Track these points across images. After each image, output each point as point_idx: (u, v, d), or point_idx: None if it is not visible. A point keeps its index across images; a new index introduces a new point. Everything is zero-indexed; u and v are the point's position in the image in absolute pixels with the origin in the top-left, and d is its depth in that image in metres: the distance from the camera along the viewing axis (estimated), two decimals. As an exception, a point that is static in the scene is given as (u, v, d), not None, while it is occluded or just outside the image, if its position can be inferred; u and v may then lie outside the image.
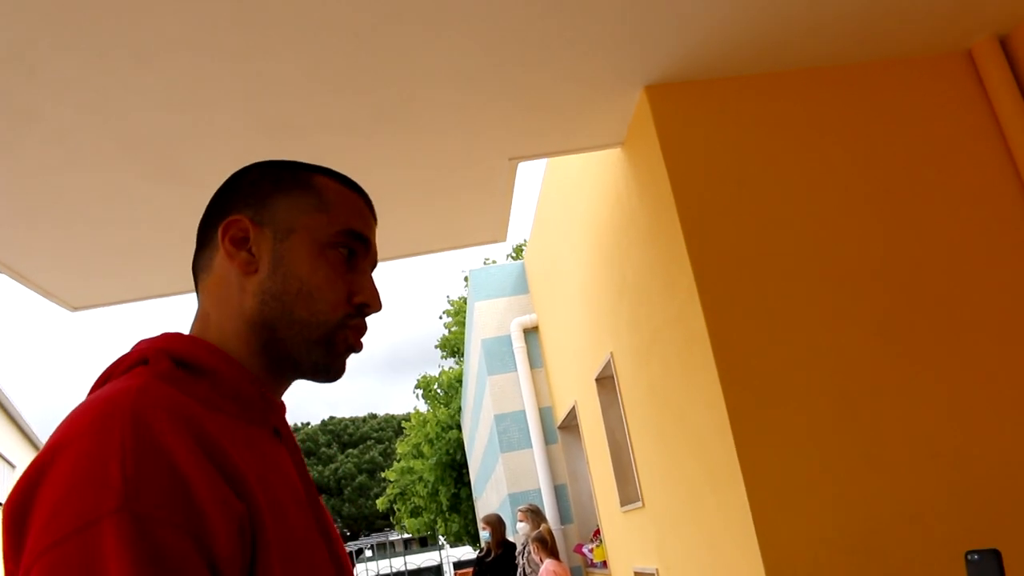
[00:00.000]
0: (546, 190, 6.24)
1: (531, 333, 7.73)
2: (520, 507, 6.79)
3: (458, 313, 20.50)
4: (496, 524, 7.05)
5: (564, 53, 3.02)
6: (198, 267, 1.02)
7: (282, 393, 1.02)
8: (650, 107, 3.33)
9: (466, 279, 20.13)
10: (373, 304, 1.01)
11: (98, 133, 2.91)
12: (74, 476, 0.73)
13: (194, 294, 1.04)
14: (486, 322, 7.83)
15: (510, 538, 7.27)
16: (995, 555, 1.57)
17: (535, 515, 6.67)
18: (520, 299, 7.88)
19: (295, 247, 0.97)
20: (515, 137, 3.56)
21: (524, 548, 6.65)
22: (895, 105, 3.43)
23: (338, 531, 1.02)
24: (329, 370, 0.99)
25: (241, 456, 0.83)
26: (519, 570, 6.63)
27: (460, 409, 17.42)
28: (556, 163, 5.63)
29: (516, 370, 7.64)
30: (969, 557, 1.61)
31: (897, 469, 3.00)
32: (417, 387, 20.90)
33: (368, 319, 1.03)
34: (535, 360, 7.66)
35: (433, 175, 3.70)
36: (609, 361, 4.81)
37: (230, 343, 0.96)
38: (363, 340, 1.02)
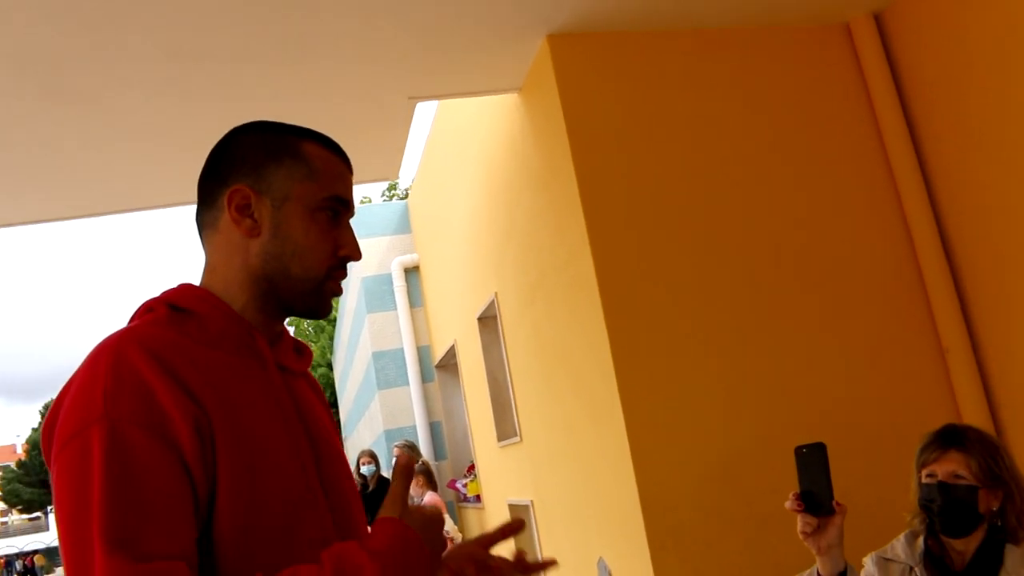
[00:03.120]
0: (436, 132, 6.26)
1: (412, 272, 7.77)
2: (396, 443, 6.91)
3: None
4: (376, 459, 7.16)
5: (471, -5, 3.06)
6: (202, 222, 1.21)
7: (277, 329, 1.22)
8: (551, 55, 3.41)
9: (341, 217, 19.79)
10: (354, 255, 1.21)
11: (-19, 44, 2.76)
12: (76, 397, 0.99)
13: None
14: (367, 260, 7.81)
15: (383, 473, 7.39)
16: (821, 447, 1.79)
17: (411, 451, 6.81)
18: (402, 238, 7.90)
19: (290, 213, 1.16)
20: (416, 76, 3.59)
21: (399, 482, 6.79)
22: (777, 71, 3.65)
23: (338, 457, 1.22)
24: (319, 313, 1.21)
25: (203, 375, 1.04)
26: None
27: (329, 347, 17.31)
28: (447, 105, 5.65)
29: (395, 308, 7.68)
30: (797, 452, 1.83)
31: (758, 408, 3.27)
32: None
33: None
34: (415, 299, 7.72)
35: (333, 108, 3.69)
36: (493, 301, 4.94)
37: (232, 290, 1.16)
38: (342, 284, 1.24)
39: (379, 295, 7.73)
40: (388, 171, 4.51)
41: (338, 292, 1.21)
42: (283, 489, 1.05)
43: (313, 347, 18.66)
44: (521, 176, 4.05)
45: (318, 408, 1.23)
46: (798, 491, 1.82)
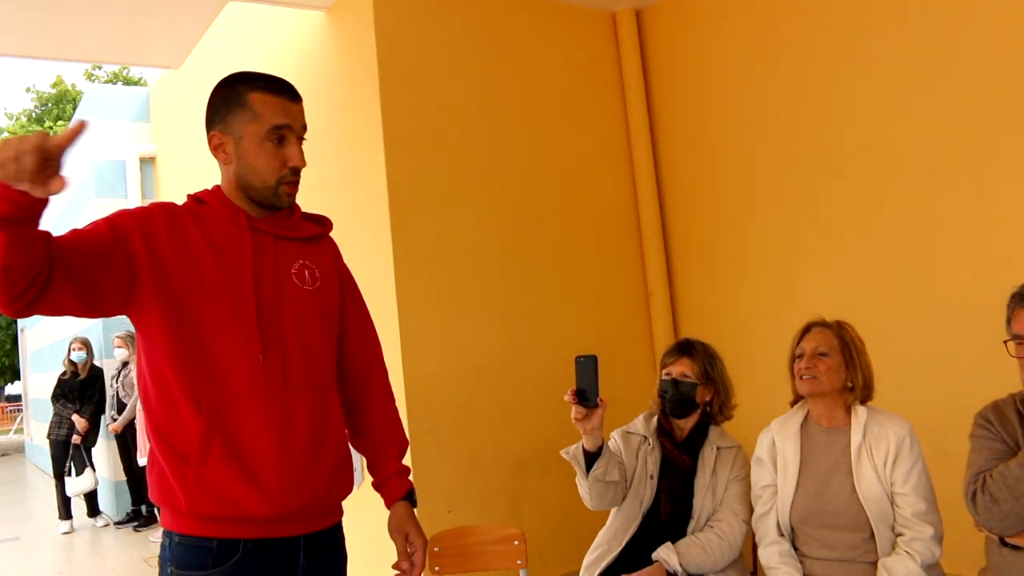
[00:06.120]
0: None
1: (147, 163, 7.56)
2: (118, 333, 6.80)
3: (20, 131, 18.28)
4: (89, 346, 6.98)
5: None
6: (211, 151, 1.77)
7: (272, 211, 1.76)
8: (370, -14, 3.73)
9: (34, 90, 18.15)
10: (297, 164, 1.72)
11: None
12: None
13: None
14: (99, 143, 7.45)
15: (97, 363, 7.23)
16: (594, 358, 2.33)
17: (134, 341, 6.74)
18: (139, 126, 7.63)
19: (246, 147, 1.69)
20: (236, -23, 3.72)
21: (119, 372, 6.72)
22: (556, 42, 4.26)
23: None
24: (279, 207, 1.75)
25: (179, 232, 1.67)
26: (112, 393, 6.71)
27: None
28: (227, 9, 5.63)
29: (126, 197, 7.44)
30: (577, 360, 2.36)
31: (510, 325, 3.92)
32: None
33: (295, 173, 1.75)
34: (148, 191, 7.53)
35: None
36: (257, 204, 5.12)
37: (231, 192, 1.75)
38: (297, 187, 1.75)
39: (111, 182, 7.44)
40: (172, 60, 4.54)
41: (292, 192, 1.74)
42: (205, 292, 1.64)
43: None
44: (313, 90, 4.31)
45: (296, 261, 1.78)
46: (575, 388, 2.36)
